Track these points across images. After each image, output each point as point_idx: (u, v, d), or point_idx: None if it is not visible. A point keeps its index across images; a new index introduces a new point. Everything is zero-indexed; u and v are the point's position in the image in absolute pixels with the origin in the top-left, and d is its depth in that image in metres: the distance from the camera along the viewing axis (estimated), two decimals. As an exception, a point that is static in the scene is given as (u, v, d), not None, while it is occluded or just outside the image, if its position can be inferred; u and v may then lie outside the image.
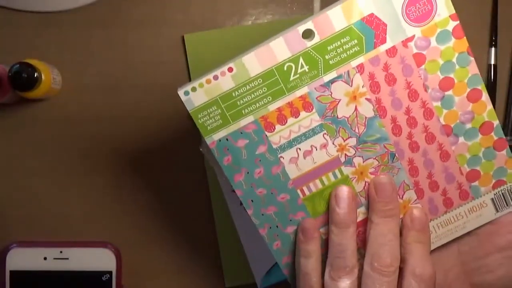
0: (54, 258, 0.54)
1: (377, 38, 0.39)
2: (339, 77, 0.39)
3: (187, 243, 0.56)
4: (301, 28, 0.38)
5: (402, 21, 0.39)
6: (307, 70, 0.39)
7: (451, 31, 0.39)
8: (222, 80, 0.39)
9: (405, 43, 0.39)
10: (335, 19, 0.38)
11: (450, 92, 0.40)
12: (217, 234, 0.56)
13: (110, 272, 0.55)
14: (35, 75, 0.49)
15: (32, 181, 0.56)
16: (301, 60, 0.39)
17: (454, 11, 0.39)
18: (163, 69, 0.55)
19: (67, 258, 0.54)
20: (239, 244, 0.55)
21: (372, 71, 0.39)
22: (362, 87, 0.40)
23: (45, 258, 0.54)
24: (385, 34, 0.39)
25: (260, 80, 0.39)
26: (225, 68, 0.39)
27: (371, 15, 0.38)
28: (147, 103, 0.55)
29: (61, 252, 0.54)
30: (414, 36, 0.39)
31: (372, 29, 0.39)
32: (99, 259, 0.55)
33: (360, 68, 0.39)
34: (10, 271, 0.54)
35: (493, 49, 0.56)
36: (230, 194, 0.53)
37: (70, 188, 0.56)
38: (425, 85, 0.40)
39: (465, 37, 0.39)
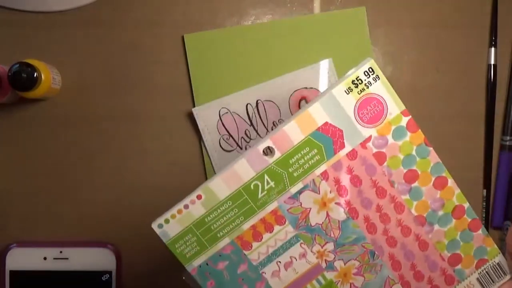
0: (54, 258, 0.54)
1: (335, 144, 0.39)
2: (305, 187, 0.40)
3: (187, 243, 0.56)
4: (261, 146, 0.39)
5: (357, 125, 0.39)
6: (273, 186, 0.39)
7: (405, 126, 0.40)
8: (193, 208, 0.39)
9: (363, 144, 0.39)
10: (292, 133, 0.39)
11: (416, 184, 0.40)
12: (217, 234, 0.56)
13: (110, 272, 0.55)
14: (35, 75, 0.49)
15: (32, 181, 0.56)
16: (266, 177, 0.39)
17: (404, 107, 0.39)
18: (163, 69, 0.55)
19: (67, 258, 0.54)
20: (239, 244, 0.55)
21: (336, 176, 0.40)
22: (330, 192, 0.40)
23: (45, 258, 0.54)
24: (343, 140, 0.39)
25: (230, 203, 0.39)
26: (193, 196, 0.39)
27: (326, 123, 0.39)
28: (147, 103, 0.55)
29: (61, 252, 0.54)
30: (371, 136, 0.39)
31: (329, 137, 0.39)
32: (99, 259, 0.54)
33: (325, 175, 0.40)
34: (10, 271, 0.54)
35: (493, 49, 0.56)
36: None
37: (70, 188, 0.56)
38: (391, 181, 0.40)
39: (419, 130, 0.40)
